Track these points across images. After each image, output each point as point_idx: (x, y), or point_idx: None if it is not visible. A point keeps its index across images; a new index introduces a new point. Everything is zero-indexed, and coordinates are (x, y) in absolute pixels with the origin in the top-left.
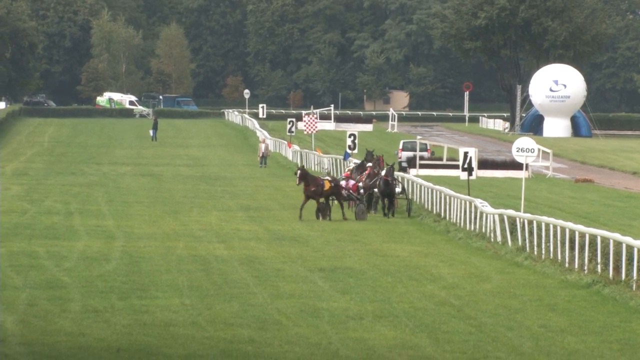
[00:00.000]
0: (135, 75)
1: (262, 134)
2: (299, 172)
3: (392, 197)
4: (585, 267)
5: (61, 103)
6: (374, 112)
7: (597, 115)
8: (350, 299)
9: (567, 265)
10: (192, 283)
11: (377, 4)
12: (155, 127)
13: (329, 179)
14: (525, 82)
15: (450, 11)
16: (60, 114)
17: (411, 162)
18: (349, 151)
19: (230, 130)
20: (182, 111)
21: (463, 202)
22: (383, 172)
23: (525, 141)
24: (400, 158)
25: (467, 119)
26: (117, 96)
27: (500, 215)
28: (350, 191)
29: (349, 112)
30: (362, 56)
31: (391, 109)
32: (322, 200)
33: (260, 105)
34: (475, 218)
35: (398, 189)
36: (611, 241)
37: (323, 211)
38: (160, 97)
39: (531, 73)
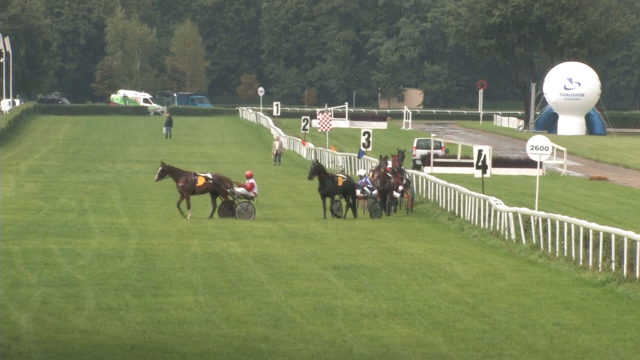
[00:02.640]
0: (149, 72)
1: (276, 131)
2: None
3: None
4: (600, 265)
5: (75, 101)
6: (388, 110)
7: (611, 113)
8: (364, 296)
9: (581, 263)
10: (206, 281)
11: (391, 2)
12: (169, 125)
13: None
14: (539, 80)
15: (465, 9)
16: (75, 112)
17: (425, 160)
18: (363, 149)
19: (245, 128)
20: (197, 109)
21: (477, 200)
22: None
23: (540, 139)
24: (414, 156)
25: (481, 116)
26: (131, 94)
27: (515, 213)
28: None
29: (363, 110)
30: (377, 54)
31: (405, 107)
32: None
33: (275, 103)
34: (490, 216)
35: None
36: (625, 239)
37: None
38: (174, 94)
39: (545, 71)
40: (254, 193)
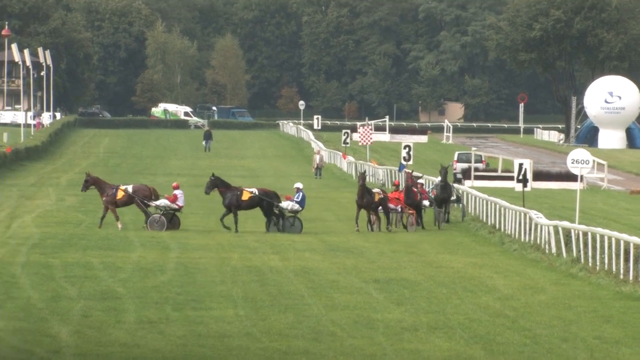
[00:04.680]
0: (190, 86)
1: (317, 145)
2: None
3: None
4: None
5: (116, 114)
6: (429, 124)
7: None
8: (405, 310)
9: (622, 276)
10: (246, 294)
11: (432, 16)
12: (208, 138)
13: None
14: (580, 93)
15: (505, 23)
16: (115, 125)
17: (466, 174)
18: (403, 162)
19: (285, 141)
20: (237, 122)
21: (518, 213)
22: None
23: (580, 153)
24: (455, 170)
25: (522, 130)
26: (172, 107)
27: (555, 227)
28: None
29: (404, 123)
30: (417, 67)
31: (446, 121)
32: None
33: (315, 117)
34: (530, 229)
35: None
36: None
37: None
38: (214, 108)
39: (586, 84)
40: (178, 205)
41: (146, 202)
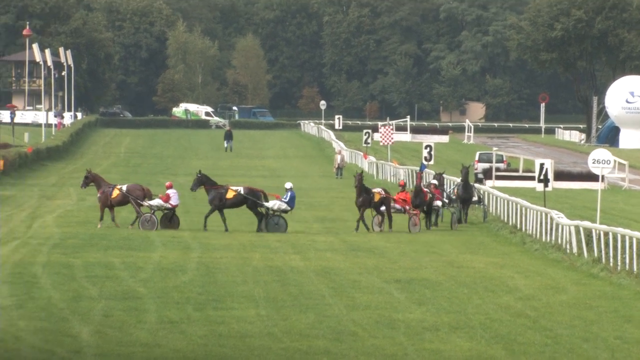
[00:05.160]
0: (211, 86)
1: (338, 145)
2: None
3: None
4: None
5: (137, 114)
6: (450, 124)
7: None
8: (426, 310)
9: None
10: (268, 294)
11: (453, 16)
12: (229, 138)
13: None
14: (601, 93)
15: (527, 22)
16: (136, 125)
17: (487, 174)
18: (425, 162)
19: (306, 141)
20: (258, 122)
21: (539, 213)
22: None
23: (602, 153)
24: (476, 169)
25: (543, 130)
26: (193, 107)
27: (576, 227)
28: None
29: (425, 123)
30: (438, 67)
31: (467, 120)
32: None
33: (337, 117)
34: (551, 229)
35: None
36: None
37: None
38: (234, 108)
39: (607, 84)
40: (171, 204)
41: (139, 201)
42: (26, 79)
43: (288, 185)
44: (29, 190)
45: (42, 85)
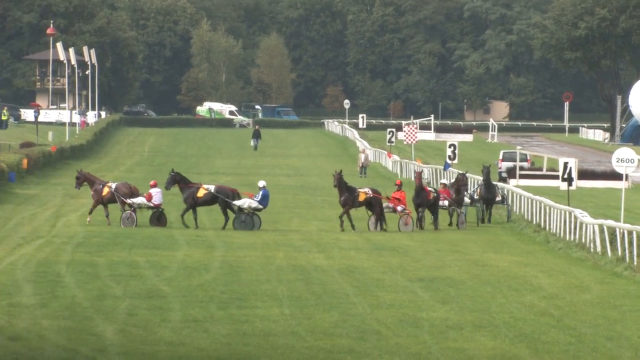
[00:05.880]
0: (235, 85)
1: (362, 144)
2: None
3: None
4: None
5: (161, 113)
6: (474, 122)
7: None
8: (449, 309)
9: None
10: (291, 293)
11: (477, 15)
12: (256, 137)
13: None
14: (625, 92)
15: (551, 21)
16: (160, 124)
17: (511, 173)
18: (449, 161)
19: (330, 140)
20: (282, 121)
21: (563, 212)
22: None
23: (625, 151)
24: (500, 168)
25: (567, 129)
26: (217, 106)
27: (600, 226)
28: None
29: (449, 122)
30: (462, 66)
31: (491, 119)
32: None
33: (360, 115)
34: (575, 228)
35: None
36: None
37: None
38: (258, 106)
39: (631, 83)
40: (153, 203)
41: (122, 199)
42: (50, 78)
43: (261, 183)
44: (52, 189)
45: (66, 84)
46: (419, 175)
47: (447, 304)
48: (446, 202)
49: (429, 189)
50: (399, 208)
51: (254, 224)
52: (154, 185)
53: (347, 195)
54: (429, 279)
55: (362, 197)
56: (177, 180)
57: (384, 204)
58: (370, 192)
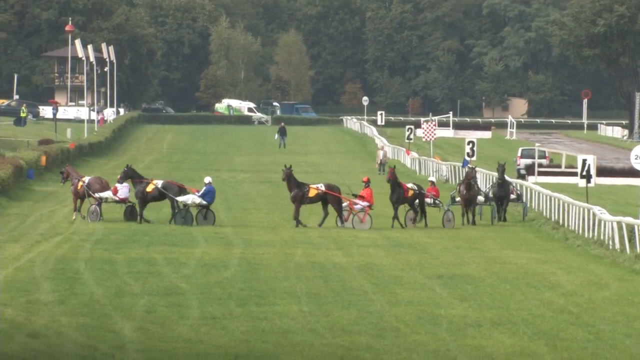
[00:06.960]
0: (253, 82)
1: (380, 141)
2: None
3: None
4: None
5: (180, 110)
6: (492, 120)
7: None
8: (468, 306)
9: None
10: (310, 290)
11: (495, 12)
12: (282, 134)
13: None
14: None
15: (569, 18)
16: (179, 121)
17: (530, 170)
18: (467, 158)
19: (349, 137)
20: (301, 118)
21: (581, 209)
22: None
23: None
24: (518, 165)
25: (585, 126)
26: (235, 103)
27: (619, 223)
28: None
29: (468, 119)
30: (481, 63)
31: (510, 116)
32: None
33: (379, 112)
34: (594, 225)
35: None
36: None
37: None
38: (276, 103)
39: None
40: (119, 197)
41: (90, 193)
42: (69, 75)
43: (207, 179)
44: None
45: (85, 81)
46: (391, 170)
47: (466, 301)
48: (429, 200)
49: (408, 186)
50: (356, 207)
51: (214, 220)
52: (119, 180)
53: (297, 191)
54: (447, 276)
55: (312, 193)
56: (130, 175)
57: (344, 203)
58: (323, 188)
